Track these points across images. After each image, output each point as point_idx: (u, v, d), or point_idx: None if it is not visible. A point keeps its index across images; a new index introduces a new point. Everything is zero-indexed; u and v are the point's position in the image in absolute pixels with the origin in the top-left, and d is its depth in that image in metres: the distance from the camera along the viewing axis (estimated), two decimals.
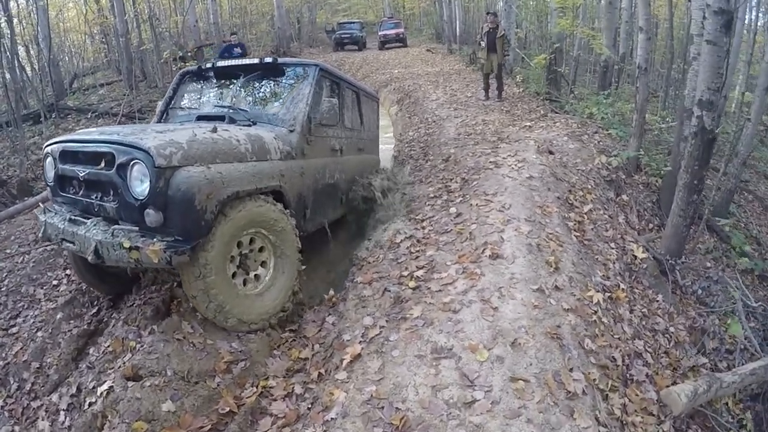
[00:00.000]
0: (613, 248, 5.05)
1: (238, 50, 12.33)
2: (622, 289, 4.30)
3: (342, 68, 20.49)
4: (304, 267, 3.89)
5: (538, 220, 4.53)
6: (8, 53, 10.51)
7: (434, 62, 19.54)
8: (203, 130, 3.37)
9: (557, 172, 5.84)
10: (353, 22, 27.80)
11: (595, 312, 3.52)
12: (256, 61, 4.72)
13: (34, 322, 4.14)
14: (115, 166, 3.02)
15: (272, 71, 4.70)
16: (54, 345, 3.79)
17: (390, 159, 9.07)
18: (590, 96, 11.55)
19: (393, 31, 25.72)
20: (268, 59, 4.68)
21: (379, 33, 25.95)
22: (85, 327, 3.84)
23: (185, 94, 5.07)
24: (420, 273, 3.89)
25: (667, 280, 5.26)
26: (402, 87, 14.51)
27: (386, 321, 3.35)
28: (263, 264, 3.60)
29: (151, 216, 2.88)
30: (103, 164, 3.13)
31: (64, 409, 3.14)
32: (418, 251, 4.30)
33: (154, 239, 2.89)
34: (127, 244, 2.87)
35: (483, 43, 10.78)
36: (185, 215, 2.90)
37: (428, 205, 5.34)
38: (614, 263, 4.78)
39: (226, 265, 3.22)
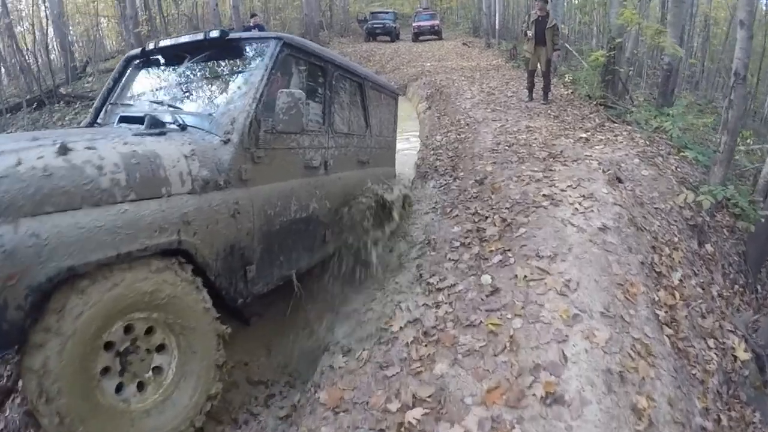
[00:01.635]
0: (711, 348, 3.28)
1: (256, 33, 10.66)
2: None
3: (371, 59, 18.81)
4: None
5: (618, 314, 2.75)
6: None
7: (470, 56, 17.63)
8: (42, 150, 1.91)
9: (635, 215, 3.99)
10: (387, 12, 25.96)
11: None
12: (200, 36, 3.13)
13: None
14: None
15: (226, 50, 3.10)
16: None
17: (412, 168, 7.40)
18: (649, 104, 9.54)
19: (428, 23, 24.01)
20: (215, 32, 3.06)
21: (414, 24, 24.33)
22: None
23: (132, 85, 3.54)
24: (417, 415, 2.19)
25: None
26: (433, 81, 12.67)
27: None
28: (156, 369, 2.17)
29: None
30: None
31: None
32: (422, 358, 2.60)
33: None
34: None
35: (530, 33, 8.86)
36: None
37: (450, 259, 3.57)
38: (713, 377, 3.05)
39: (89, 376, 1.91)
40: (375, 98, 4.69)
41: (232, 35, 3.07)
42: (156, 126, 2.62)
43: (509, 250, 3.38)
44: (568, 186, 4.26)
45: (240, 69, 3.02)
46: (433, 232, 4.20)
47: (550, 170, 4.86)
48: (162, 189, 2.15)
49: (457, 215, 4.41)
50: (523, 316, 2.69)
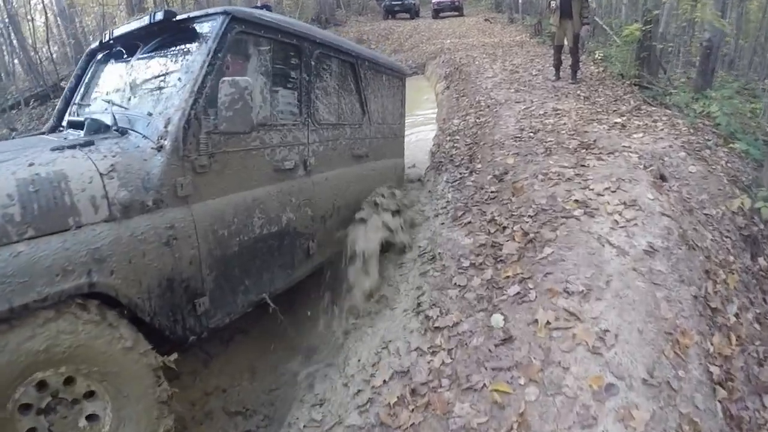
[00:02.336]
0: None
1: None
2: None
3: (389, 38, 17.91)
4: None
5: (665, 379, 2.03)
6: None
7: (492, 33, 16.53)
8: None
9: (686, 229, 3.20)
10: None
11: None
12: (145, 20, 2.55)
13: None
14: None
15: (176, 35, 2.50)
16: None
17: (427, 156, 6.68)
18: (686, 85, 8.53)
19: None
20: (159, 14, 2.45)
21: (434, 0, 23.10)
22: None
23: (94, 82, 3.10)
24: None
25: None
26: (453, 59, 11.77)
27: None
28: (91, 417, 1.82)
29: None
30: None
31: None
32: (404, 429, 1.94)
33: None
34: None
35: (554, 4, 7.93)
36: None
37: (456, 285, 2.86)
38: None
39: None
40: (374, 80, 3.97)
41: (180, 16, 2.44)
42: (97, 132, 2.22)
43: (530, 279, 2.65)
44: (606, 189, 3.46)
45: (184, 56, 2.38)
46: (440, 243, 3.48)
47: (583, 166, 4.06)
48: (69, 220, 1.74)
49: (470, 222, 3.67)
50: (540, 383, 1.99)
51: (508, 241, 3.14)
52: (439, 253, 3.33)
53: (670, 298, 2.47)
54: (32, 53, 10.46)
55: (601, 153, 4.36)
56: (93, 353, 1.77)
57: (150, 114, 2.21)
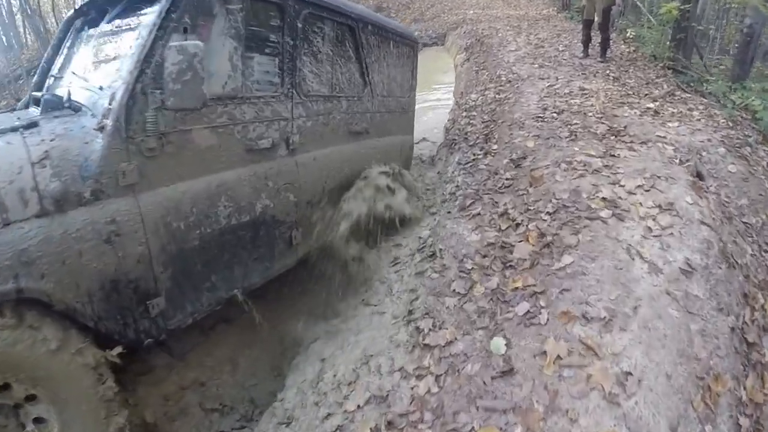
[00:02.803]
0: None
1: None
2: None
3: (410, 7, 17.20)
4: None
5: None
6: None
7: (518, 5, 15.69)
8: None
9: (726, 242, 2.75)
10: None
11: None
12: None
13: None
14: None
15: None
16: None
17: (441, 133, 6.25)
18: (722, 72, 7.88)
19: None
20: None
21: None
22: None
23: (69, 53, 2.75)
24: None
25: None
26: (474, 30, 11.11)
27: None
28: (37, 420, 1.66)
29: None
30: None
31: None
32: None
33: None
34: None
35: None
36: None
37: (455, 291, 2.46)
38: None
39: None
40: (379, 48, 3.50)
41: None
42: (55, 109, 1.94)
43: (542, 293, 2.23)
44: (638, 186, 2.99)
45: (141, 19, 2.02)
46: (443, 237, 3.07)
47: (612, 156, 3.57)
48: None
49: (479, 214, 3.24)
50: None
51: (521, 242, 2.71)
52: (440, 249, 2.92)
53: (706, 331, 2.05)
54: (42, 24, 10.04)
55: (632, 142, 3.87)
56: (14, 360, 1.56)
57: (102, 89, 1.88)
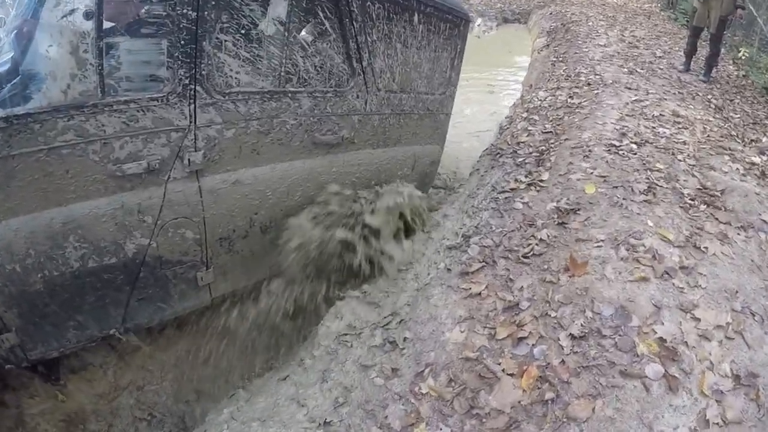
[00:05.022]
0: None
1: None
2: None
3: None
4: None
5: None
6: None
7: None
8: None
9: None
10: None
11: None
12: None
13: None
14: None
15: None
16: None
17: (495, 130, 5.16)
18: None
19: None
20: None
21: None
22: None
23: None
24: None
25: None
26: (562, 13, 9.57)
27: None
28: None
29: None
30: None
31: None
32: None
33: None
34: None
35: None
36: None
37: (389, 428, 1.46)
38: None
39: None
40: (389, 19, 2.37)
41: None
42: None
43: None
44: (718, 327, 1.84)
45: None
46: (418, 317, 2.03)
47: (696, 248, 2.40)
48: None
49: (479, 294, 2.20)
50: None
51: (510, 375, 1.68)
52: (405, 339, 1.92)
53: None
54: None
55: (728, 223, 2.68)
56: None
57: None
